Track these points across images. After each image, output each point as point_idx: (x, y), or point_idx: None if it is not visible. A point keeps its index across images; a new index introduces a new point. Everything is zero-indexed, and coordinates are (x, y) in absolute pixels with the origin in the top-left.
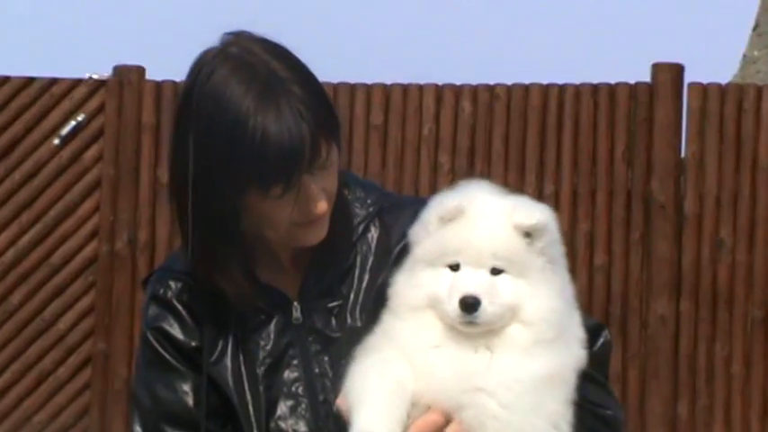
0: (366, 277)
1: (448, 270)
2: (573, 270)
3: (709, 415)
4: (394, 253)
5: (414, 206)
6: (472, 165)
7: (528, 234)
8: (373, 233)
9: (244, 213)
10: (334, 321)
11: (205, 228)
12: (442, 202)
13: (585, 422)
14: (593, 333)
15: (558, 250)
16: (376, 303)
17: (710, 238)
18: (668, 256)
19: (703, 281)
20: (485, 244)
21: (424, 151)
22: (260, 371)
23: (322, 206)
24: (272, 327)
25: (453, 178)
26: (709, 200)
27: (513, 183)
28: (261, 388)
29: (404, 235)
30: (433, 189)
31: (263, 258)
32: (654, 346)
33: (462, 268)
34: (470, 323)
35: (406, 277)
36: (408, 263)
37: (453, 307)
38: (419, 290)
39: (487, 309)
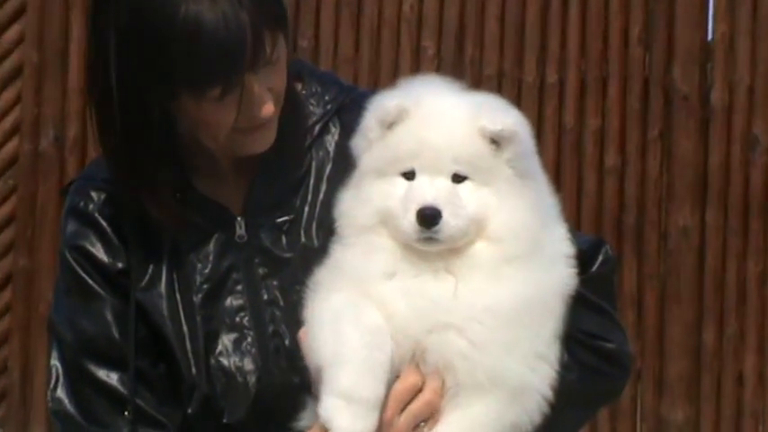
0: (323, 187)
1: (401, 179)
2: (580, 172)
3: (739, 343)
4: (353, 158)
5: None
6: (461, 49)
7: (494, 141)
8: (332, 135)
9: (176, 121)
10: (284, 239)
11: (130, 139)
12: (381, 104)
13: (579, 357)
14: (590, 251)
15: (532, 164)
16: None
17: (742, 136)
18: (692, 157)
19: (733, 186)
20: (443, 144)
21: (404, 33)
22: (197, 298)
23: (268, 109)
24: (211, 246)
25: (439, 65)
26: (740, 90)
27: (510, 71)
28: (198, 318)
29: None
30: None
31: (201, 166)
32: (675, 263)
33: (418, 176)
34: (430, 239)
35: (352, 194)
36: (353, 178)
37: (410, 221)
38: (368, 205)
39: (450, 221)
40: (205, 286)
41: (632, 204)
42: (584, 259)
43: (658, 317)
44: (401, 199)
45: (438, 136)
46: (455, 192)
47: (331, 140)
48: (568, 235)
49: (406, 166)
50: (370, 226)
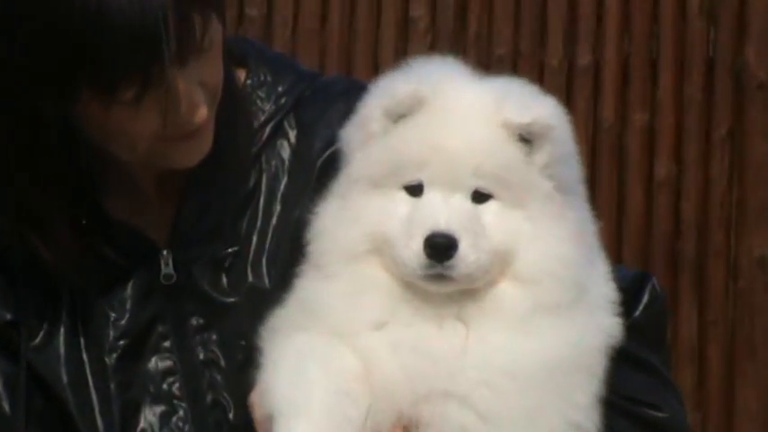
0: (277, 208)
1: (404, 194)
2: (621, 184)
3: None
4: (317, 166)
5: (349, 95)
6: (463, 22)
7: (525, 139)
8: (287, 139)
9: (77, 130)
10: (225, 279)
11: (11, 157)
12: (390, 89)
13: (619, 428)
14: (633, 289)
15: (573, 170)
16: (294, 249)
17: None
18: None
19: None
20: (462, 152)
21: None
22: (111, 359)
23: (200, 113)
24: (128, 290)
25: (433, 42)
26: None
27: (527, 51)
28: (113, 386)
29: (333, 139)
30: (400, 60)
31: (115, 183)
32: (747, 305)
33: (427, 191)
34: (440, 277)
35: (336, 208)
36: (339, 186)
37: (414, 251)
38: (357, 225)
39: (468, 255)
40: (121, 343)
41: (690, 227)
42: (624, 300)
43: (725, 376)
44: (403, 220)
45: (456, 140)
46: (476, 215)
47: (286, 146)
48: (608, 270)
49: (412, 178)
50: (358, 254)
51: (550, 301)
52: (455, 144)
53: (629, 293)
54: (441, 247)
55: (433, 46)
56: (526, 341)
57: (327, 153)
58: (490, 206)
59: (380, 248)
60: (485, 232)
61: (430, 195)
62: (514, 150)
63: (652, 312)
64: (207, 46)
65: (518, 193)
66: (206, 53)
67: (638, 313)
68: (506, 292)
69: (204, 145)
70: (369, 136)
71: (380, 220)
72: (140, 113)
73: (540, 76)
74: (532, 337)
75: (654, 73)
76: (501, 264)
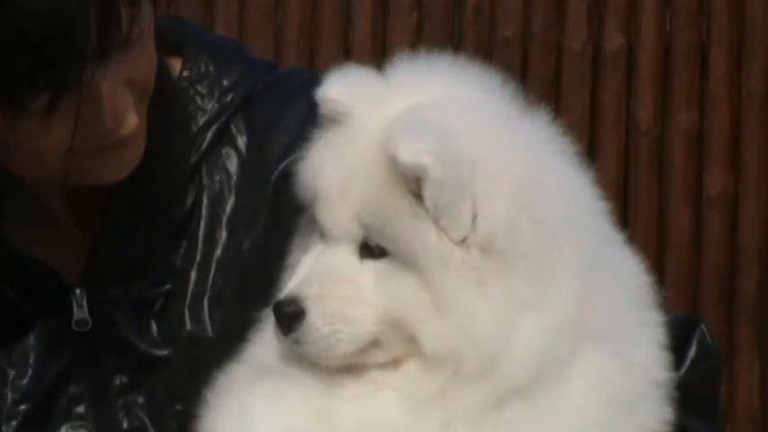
0: (222, 235)
1: (317, 238)
2: (662, 200)
3: None
4: (272, 182)
5: (312, 90)
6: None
7: (415, 183)
8: (233, 146)
9: None
10: (156, 326)
11: None
12: (323, 89)
13: None
14: (677, 339)
15: (506, 221)
16: (245, 288)
17: None
18: None
19: None
20: (340, 193)
21: None
22: (9, 428)
23: (129, 121)
24: (31, 340)
25: (420, 22)
26: None
27: (541, 32)
28: None
29: (293, 147)
30: (378, 46)
31: (14, 205)
32: None
33: (324, 242)
34: (298, 353)
35: (299, 248)
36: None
37: (272, 321)
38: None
39: (319, 328)
40: (22, 408)
41: (751, 257)
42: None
43: None
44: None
45: (337, 176)
46: (354, 275)
47: (233, 155)
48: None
49: (314, 222)
50: None
51: (497, 386)
52: (334, 182)
53: (670, 345)
54: (281, 316)
55: (419, 28)
56: None
57: (285, 164)
58: (383, 263)
59: None
60: (361, 297)
61: (314, 248)
62: (401, 195)
63: (701, 370)
64: (136, 37)
65: (408, 252)
66: (134, 45)
67: (683, 371)
68: (430, 374)
69: (133, 156)
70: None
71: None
72: (53, 125)
73: (557, 64)
74: None
75: (703, 60)
76: (403, 335)
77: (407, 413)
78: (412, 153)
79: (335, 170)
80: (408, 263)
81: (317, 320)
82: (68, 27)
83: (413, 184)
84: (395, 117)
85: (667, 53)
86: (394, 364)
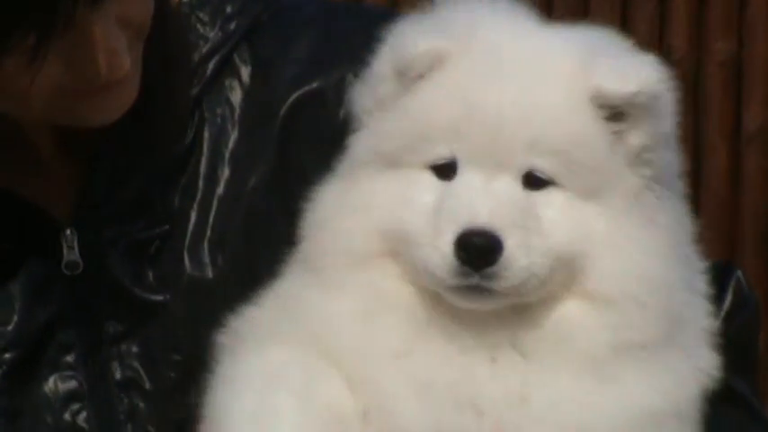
0: (224, 173)
1: (430, 176)
2: (700, 138)
3: None
4: (280, 115)
5: (322, 20)
6: None
7: (616, 114)
8: (237, 77)
9: None
10: (152, 270)
11: None
12: (403, 43)
13: None
14: (715, 283)
15: (674, 157)
16: (250, 230)
17: None
18: None
19: None
20: (512, 116)
21: None
22: None
23: (121, 64)
24: (17, 284)
25: None
26: None
27: None
28: None
29: (303, 79)
30: None
31: (1, 144)
32: None
33: (462, 172)
34: (479, 290)
35: (339, 193)
36: (343, 165)
37: (443, 254)
38: (366, 219)
39: (518, 259)
40: (7, 356)
41: None
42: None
43: None
44: (428, 212)
45: (503, 99)
46: (529, 205)
47: (236, 87)
48: (706, 288)
49: (441, 154)
50: (368, 256)
51: (635, 338)
52: (501, 104)
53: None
54: (479, 249)
55: None
56: (606, 392)
57: (294, 97)
58: (551, 195)
59: (398, 249)
60: (541, 228)
61: (465, 177)
62: (593, 124)
63: (738, 320)
64: None
65: (593, 180)
66: None
67: (718, 322)
68: (576, 317)
69: (125, 98)
70: (379, 101)
71: (397, 210)
72: (38, 64)
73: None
74: (614, 387)
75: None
76: (565, 273)
77: (495, 366)
78: (642, 83)
79: (508, 97)
80: (586, 192)
81: (515, 251)
82: None
83: (619, 118)
84: (576, 44)
85: None
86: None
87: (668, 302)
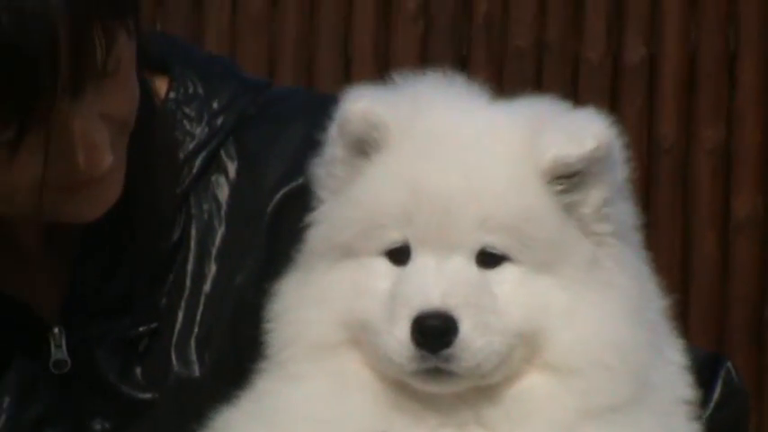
0: (211, 270)
1: (384, 262)
2: (690, 225)
3: None
4: (269, 212)
5: (310, 113)
6: (466, 4)
7: (571, 184)
8: (224, 174)
9: None
10: (140, 368)
11: None
12: (345, 110)
13: None
14: (702, 377)
15: (628, 206)
16: (236, 327)
17: None
18: None
19: None
20: (461, 196)
21: None
22: None
23: (103, 159)
24: (5, 383)
25: (426, 31)
26: None
27: (557, 42)
28: None
29: (290, 175)
30: (380, 57)
31: None
32: None
33: (415, 256)
34: (438, 372)
35: (298, 284)
36: (302, 254)
37: (400, 340)
38: (325, 309)
39: (474, 340)
40: None
41: None
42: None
43: None
44: (384, 299)
45: (448, 182)
46: (484, 284)
47: (223, 183)
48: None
49: (393, 239)
50: (329, 346)
51: (603, 402)
52: (447, 186)
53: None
54: (434, 332)
55: (426, 36)
56: None
57: (281, 194)
58: (505, 271)
59: (358, 338)
60: (497, 307)
61: (418, 261)
62: (544, 197)
63: (728, 411)
64: (112, 69)
65: (547, 253)
66: (113, 78)
67: (708, 412)
68: (540, 388)
69: (109, 194)
70: (331, 186)
71: (354, 300)
72: (19, 159)
73: (573, 76)
74: None
75: (731, 72)
76: (526, 349)
77: None
78: (594, 145)
79: (454, 177)
80: (541, 266)
81: (471, 332)
82: (36, 60)
83: (563, 182)
84: (523, 117)
85: (692, 64)
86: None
87: (633, 363)
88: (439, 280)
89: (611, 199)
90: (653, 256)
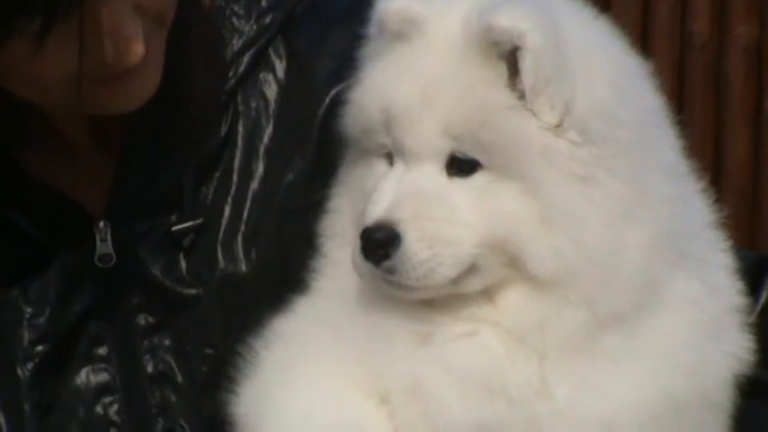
0: (258, 168)
1: (385, 163)
2: (722, 123)
3: None
4: (320, 113)
5: (359, 12)
6: None
7: (511, 67)
8: (272, 71)
9: None
10: (185, 263)
11: None
12: (387, 2)
13: None
14: (747, 281)
15: (631, 134)
16: (284, 225)
17: None
18: None
19: None
20: (422, 103)
21: None
22: (25, 371)
23: (134, 50)
24: (50, 276)
25: None
26: None
27: None
28: (27, 407)
29: (341, 74)
30: None
31: (34, 134)
32: None
33: (395, 162)
34: (390, 284)
35: (342, 178)
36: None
37: (355, 250)
38: (345, 203)
39: (417, 253)
40: (39, 348)
41: None
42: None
43: None
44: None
45: (416, 85)
46: (446, 194)
47: (272, 81)
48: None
49: (383, 143)
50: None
51: (605, 310)
52: (415, 96)
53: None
54: (374, 243)
55: None
56: (624, 377)
57: (332, 94)
58: (476, 179)
59: None
60: (458, 217)
61: (393, 170)
62: (496, 89)
63: None
64: None
65: (509, 155)
66: None
67: (753, 317)
68: (536, 305)
69: (145, 87)
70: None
71: (359, 200)
72: (49, 50)
73: None
74: (632, 369)
75: None
76: (503, 258)
77: (511, 351)
78: (511, 18)
79: (415, 83)
80: (507, 171)
81: (414, 244)
82: None
83: (510, 62)
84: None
85: None
86: (488, 295)
87: (623, 269)
88: (389, 192)
89: (545, 90)
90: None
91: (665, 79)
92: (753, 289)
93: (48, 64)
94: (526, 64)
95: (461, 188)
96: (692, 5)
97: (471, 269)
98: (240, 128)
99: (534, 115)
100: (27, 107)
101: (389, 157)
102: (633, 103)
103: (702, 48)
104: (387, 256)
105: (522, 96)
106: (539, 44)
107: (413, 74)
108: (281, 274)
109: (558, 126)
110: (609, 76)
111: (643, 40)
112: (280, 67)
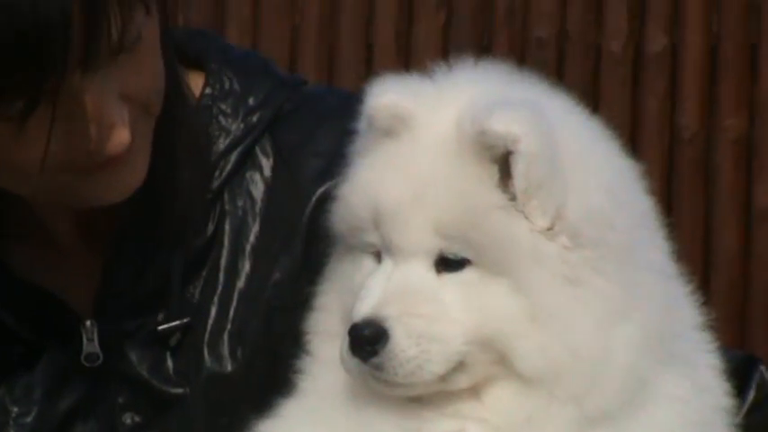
0: (245, 266)
1: (372, 260)
2: (711, 215)
3: None
4: (307, 211)
5: (345, 112)
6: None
7: (505, 167)
8: (259, 170)
9: None
10: (171, 362)
11: None
12: (376, 97)
13: None
14: (736, 375)
15: (619, 236)
16: (271, 323)
17: None
18: None
19: None
20: (413, 202)
21: None
22: None
23: (119, 137)
24: (37, 375)
25: (447, 22)
26: None
27: (577, 32)
28: None
29: (328, 173)
30: (402, 48)
31: (20, 228)
32: None
33: (384, 260)
34: (378, 380)
35: (333, 271)
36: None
37: (343, 347)
38: (331, 299)
39: (404, 350)
40: None
41: None
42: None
43: None
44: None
45: (407, 184)
46: (434, 291)
47: (258, 180)
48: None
49: (370, 242)
50: (336, 335)
51: (593, 408)
52: (405, 194)
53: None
54: (361, 340)
55: (448, 26)
56: None
57: (319, 192)
58: (464, 275)
59: None
60: (445, 314)
61: (381, 267)
62: (486, 189)
63: (760, 415)
64: (130, 44)
65: (499, 254)
66: (129, 54)
67: (740, 417)
68: (518, 399)
69: (132, 177)
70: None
71: (347, 295)
72: (29, 135)
73: (595, 67)
74: None
75: (752, 61)
76: (490, 356)
77: None
78: (505, 123)
79: (405, 182)
80: (496, 269)
81: (402, 341)
82: (47, 32)
83: (502, 164)
84: (466, 105)
85: (714, 54)
86: (474, 392)
87: (612, 368)
88: (377, 289)
89: (537, 193)
90: (674, 246)
91: (654, 171)
92: (739, 390)
93: (30, 151)
94: (519, 168)
95: (450, 284)
96: (680, 99)
97: (459, 366)
98: (227, 227)
99: (525, 218)
100: (11, 200)
101: (377, 255)
102: (626, 208)
103: (691, 141)
104: (375, 353)
105: (513, 198)
106: (532, 150)
107: (403, 172)
108: (268, 373)
109: (549, 230)
110: (603, 182)
111: (632, 133)
112: (266, 166)
